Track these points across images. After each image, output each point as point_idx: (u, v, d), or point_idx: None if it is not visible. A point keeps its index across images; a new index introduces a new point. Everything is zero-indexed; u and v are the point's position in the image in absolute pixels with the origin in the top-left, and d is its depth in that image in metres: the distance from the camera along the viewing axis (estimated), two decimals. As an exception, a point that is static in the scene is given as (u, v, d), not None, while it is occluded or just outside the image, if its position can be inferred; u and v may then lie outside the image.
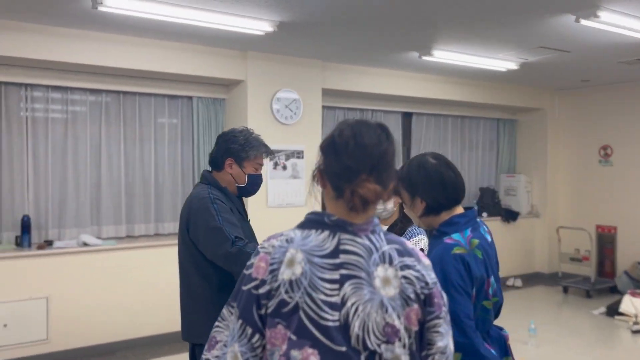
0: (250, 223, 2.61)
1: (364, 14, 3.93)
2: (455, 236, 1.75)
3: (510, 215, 7.36)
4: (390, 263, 1.23)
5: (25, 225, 4.43)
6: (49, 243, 4.54)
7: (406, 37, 4.62)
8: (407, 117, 7.04)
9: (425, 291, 1.24)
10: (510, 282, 7.22)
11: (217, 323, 1.33)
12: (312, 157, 5.56)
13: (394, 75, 6.13)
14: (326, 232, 1.25)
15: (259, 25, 4.04)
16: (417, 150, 7.05)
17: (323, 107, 6.00)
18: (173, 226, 5.28)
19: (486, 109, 7.53)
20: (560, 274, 7.24)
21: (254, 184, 2.46)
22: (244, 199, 2.60)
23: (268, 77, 5.20)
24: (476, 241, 1.75)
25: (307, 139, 5.44)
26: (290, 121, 5.30)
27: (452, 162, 1.86)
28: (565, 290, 6.93)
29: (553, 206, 7.74)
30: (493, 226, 7.20)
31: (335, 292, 1.20)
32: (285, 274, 1.22)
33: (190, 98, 5.31)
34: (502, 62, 5.51)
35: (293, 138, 5.35)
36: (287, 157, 5.31)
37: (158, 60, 4.69)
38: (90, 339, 4.54)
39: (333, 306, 1.20)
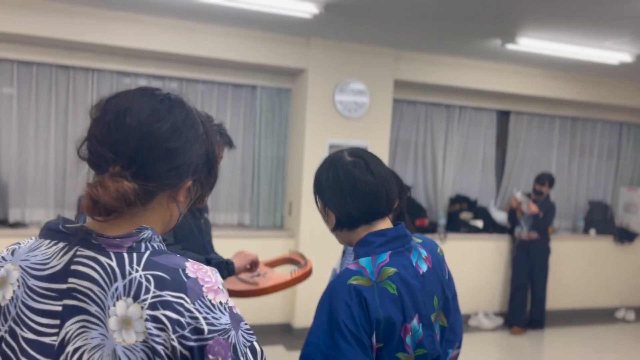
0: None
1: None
2: (363, 261, 1.30)
3: (625, 236, 6.24)
4: (137, 297, 0.84)
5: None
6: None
7: (483, 21, 4.00)
8: (504, 116, 6.26)
9: (191, 343, 0.83)
10: (620, 314, 6.13)
11: None
12: (378, 154, 5.13)
13: (484, 67, 5.44)
14: (60, 245, 0.90)
15: (303, 7, 3.72)
16: (513, 154, 6.24)
17: (397, 100, 5.51)
18: (230, 217, 5.17)
19: (606, 110, 6.45)
20: (686, 312, 5.99)
21: None
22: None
23: (332, 66, 4.85)
24: (391, 270, 1.28)
25: (373, 134, 5.01)
26: (354, 114, 4.90)
27: (378, 161, 1.40)
28: (691, 332, 5.71)
29: (686, 229, 6.43)
30: (602, 246, 6.16)
31: (53, 331, 0.85)
32: None
33: (254, 87, 5.14)
34: (611, 53, 4.59)
35: (357, 133, 4.95)
36: (349, 153, 4.91)
37: (221, 47, 4.58)
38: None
39: (45, 350, 0.85)
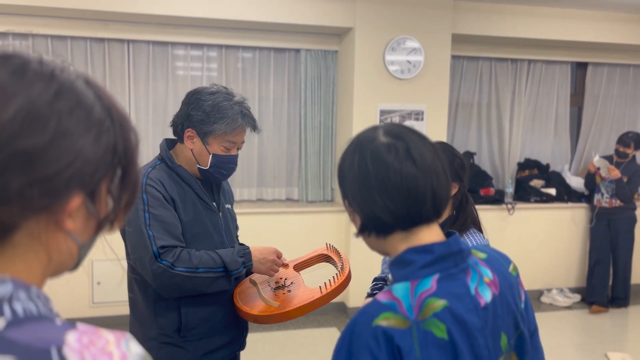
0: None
1: None
2: (399, 290, 0.93)
3: None
4: None
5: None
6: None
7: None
8: (580, 68, 5.58)
9: None
10: None
11: None
12: (436, 118, 4.68)
13: (555, 14, 4.80)
14: None
15: (343, -45, 3.27)
16: (591, 112, 5.57)
17: (456, 57, 4.98)
18: (277, 192, 4.88)
19: (702, 56, 5.61)
20: None
21: (220, 167, 1.79)
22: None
23: (381, 23, 4.37)
24: (439, 303, 0.90)
25: (430, 97, 4.53)
26: (407, 75, 4.43)
27: (425, 144, 0.99)
28: None
29: None
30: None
31: None
32: None
33: (297, 51, 4.75)
34: None
35: (411, 96, 4.49)
36: (403, 119, 4.48)
37: (260, 8, 4.22)
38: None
39: None
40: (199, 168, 1.80)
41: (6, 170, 0.55)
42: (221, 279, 1.71)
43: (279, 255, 1.83)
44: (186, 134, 1.78)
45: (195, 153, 1.78)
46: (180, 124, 1.79)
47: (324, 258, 1.94)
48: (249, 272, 1.80)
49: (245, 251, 1.76)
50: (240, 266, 1.73)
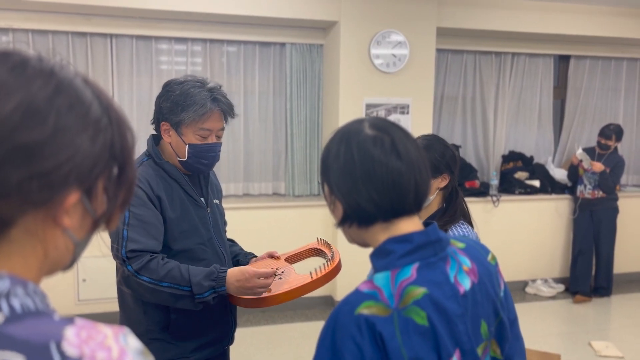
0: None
1: None
2: (379, 279, 0.94)
3: None
4: None
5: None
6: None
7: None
8: (562, 61, 5.63)
9: None
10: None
11: None
12: (421, 112, 4.70)
13: (539, 7, 4.83)
14: None
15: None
16: (574, 104, 5.63)
17: (441, 50, 5.00)
18: (264, 186, 4.88)
19: (681, 48, 5.70)
20: None
21: (198, 157, 1.75)
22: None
23: (366, 17, 4.37)
24: (419, 291, 0.92)
25: (415, 90, 4.54)
26: (392, 69, 4.44)
27: (409, 139, 1.00)
28: None
29: None
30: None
31: None
32: None
33: (283, 45, 4.74)
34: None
35: (396, 89, 4.50)
36: (388, 113, 4.49)
37: (245, 2, 4.19)
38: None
39: None
40: (179, 160, 1.77)
41: (6, 164, 0.55)
42: (185, 298, 1.62)
43: (263, 275, 1.64)
44: (162, 128, 1.76)
45: (174, 145, 1.76)
46: (156, 119, 1.78)
47: (315, 252, 1.95)
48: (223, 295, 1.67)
49: (219, 275, 1.64)
50: (206, 291, 1.62)
